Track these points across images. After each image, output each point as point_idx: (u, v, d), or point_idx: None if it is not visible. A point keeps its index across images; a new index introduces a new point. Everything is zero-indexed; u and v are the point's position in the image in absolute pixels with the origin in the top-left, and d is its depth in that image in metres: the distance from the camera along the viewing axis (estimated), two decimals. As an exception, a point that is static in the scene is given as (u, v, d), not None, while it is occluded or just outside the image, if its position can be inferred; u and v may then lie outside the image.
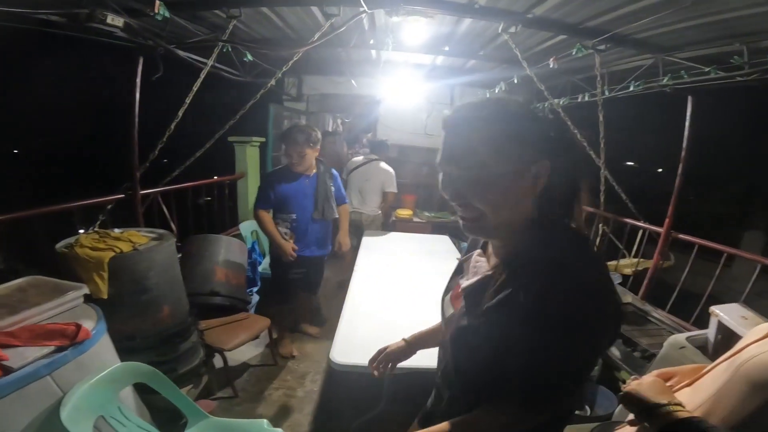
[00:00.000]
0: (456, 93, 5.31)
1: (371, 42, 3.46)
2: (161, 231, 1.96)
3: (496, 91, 3.97)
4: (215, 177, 3.85)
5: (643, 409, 0.80)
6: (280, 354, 2.73)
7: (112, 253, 1.60)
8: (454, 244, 3.37)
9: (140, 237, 1.78)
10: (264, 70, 3.92)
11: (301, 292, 2.79)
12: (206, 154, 3.23)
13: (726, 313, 1.71)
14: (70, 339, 1.25)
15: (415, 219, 4.94)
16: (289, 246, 2.51)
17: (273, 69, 3.20)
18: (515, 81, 3.49)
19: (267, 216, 2.56)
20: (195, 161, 3.15)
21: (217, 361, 2.34)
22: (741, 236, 6.24)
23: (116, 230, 1.82)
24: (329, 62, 4.67)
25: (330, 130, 6.81)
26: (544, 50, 3.09)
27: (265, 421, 1.61)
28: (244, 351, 2.72)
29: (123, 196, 2.67)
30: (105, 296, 1.59)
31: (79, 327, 1.27)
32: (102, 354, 1.40)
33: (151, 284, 1.71)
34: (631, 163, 11.14)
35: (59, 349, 1.23)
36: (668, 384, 0.92)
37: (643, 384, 0.87)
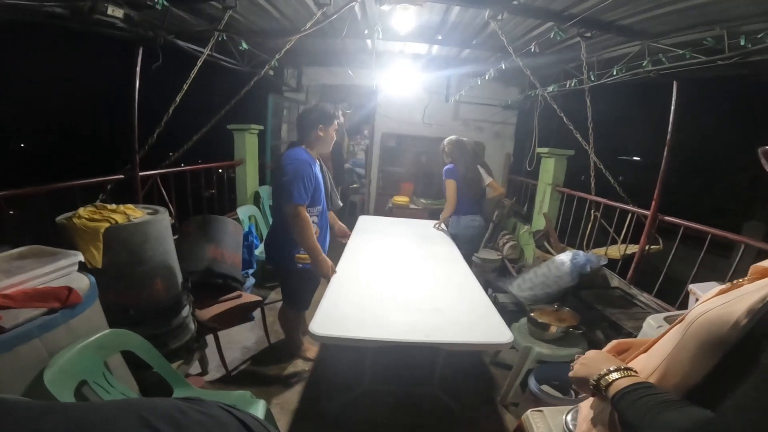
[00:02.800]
0: (452, 83, 5.36)
1: (365, 32, 3.53)
2: (156, 207, 2.04)
3: (486, 78, 4.00)
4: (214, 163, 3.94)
5: (591, 385, 0.78)
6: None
7: (108, 224, 1.68)
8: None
9: (136, 211, 1.87)
10: (263, 60, 4.01)
11: None
12: (208, 142, 3.34)
13: (704, 291, 1.72)
14: (62, 301, 1.32)
15: (412, 206, 5.01)
16: (329, 264, 2.19)
17: (270, 59, 3.29)
18: (503, 67, 3.52)
19: (309, 216, 2.13)
20: (197, 151, 3.25)
21: (210, 340, 2.43)
22: (742, 227, 6.21)
23: (113, 205, 1.90)
24: (327, 53, 4.75)
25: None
26: (533, 39, 3.12)
27: (248, 393, 1.67)
28: (239, 331, 2.79)
29: (123, 176, 2.78)
30: (100, 265, 1.67)
31: (70, 290, 1.35)
32: (92, 320, 1.47)
33: (146, 257, 1.79)
34: (637, 158, 11.04)
35: (50, 312, 1.30)
36: (624, 354, 0.89)
37: (587, 358, 0.84)
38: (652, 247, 3.02)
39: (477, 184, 3.31)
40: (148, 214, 1.91)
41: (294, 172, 2.06)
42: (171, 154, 3.19)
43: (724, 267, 2.40)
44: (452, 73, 4.97)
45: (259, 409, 1.57)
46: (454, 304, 1.94)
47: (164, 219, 1.92)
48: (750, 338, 0.58)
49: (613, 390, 0.72)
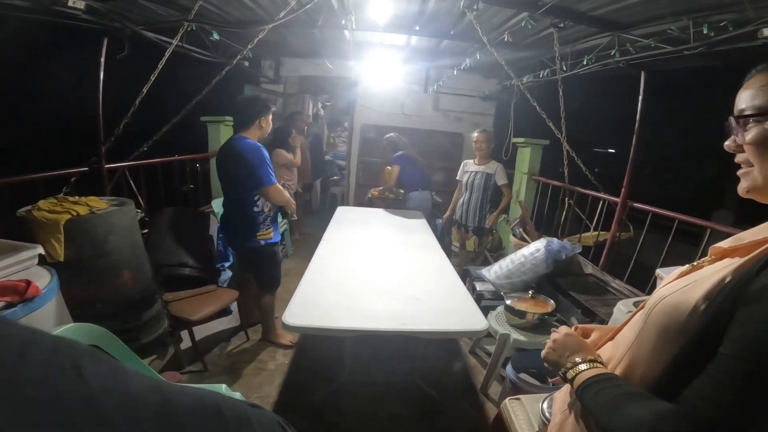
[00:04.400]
0: (431, 74, 5.36)
1: (343, 22, 3.49)
2: (123, 199, 1.98)
3: (462, 68, 4.01)
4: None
5: (560, 375, 0.77)
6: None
7: (69, 216, 1.62)
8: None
9: (99, 202, 1.81)
10: (238, 51, 3.91)
11: None
12: (184, 135, 3.25)
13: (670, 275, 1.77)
14: (21, 295, 1.27)
15: (391, 196, 4.99)
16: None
17: (243, 49, 3.22)
18: (477, 57, 3.54)
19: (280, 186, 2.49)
20: (174, 144, 3.19)
21: (186, 336, 2.38)
22: (711, 215, 6.46)
23: (76, 197, 1.84)
24: (305, 44, 4.68)
25: (311, 113, 6.84)
26: (508, 29, 3.13)
27: (224, 385, 1.64)
28: (216, 325, 2.74)
29: (87, 169, 2.68)
30: (62, 259, 1.61)
31: (29, 283, 1.30)
32: (54, 314, 1.43)
33: (111, 248, 1.73)
34: (612, 150, 11.30)
35: (9, 306, 1.26)
36: (590, 339, 0.88)
37: (558, 342, 0.82)
38: (623, 233, 3.10)
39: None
40: (113, 206, 1.84)
41: (260, 158, 2.26)
42: (146, 149, 3.11)
43: (695, 255, 2.46)
44: (431, 65, 4.96)
45: (233, 401, 1.54)
46: (431, 293, 1.95)
47: (130, 211, 1.86)
48: (708, 325, 0.57)
49: (577, 382, 0.71)
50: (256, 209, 2.38)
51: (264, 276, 2.54)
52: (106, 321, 1.70)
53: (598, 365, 0.72)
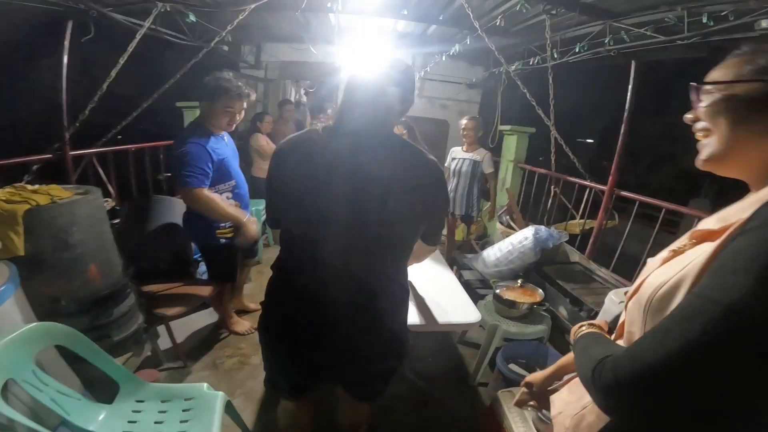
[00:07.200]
0: (418, 61, 5.25)
1: (329, 5, 3.34)
2: (88, 187, 1.83)
3: (452, 54, 3.92)
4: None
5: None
6: (238, 333, 2.59)
7: (27, 206, 1.48)
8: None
9: (61, 191, 1.66)
10: (216, 34, 3.74)
11: (244, 262, 2.67)
12: (161, 122, 3.08)
13: None
14: (-28, 293, 1.15)
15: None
16: (254, 223, 2.15)
17: (222, 32, 3.05)
18: (468, 43, 3.46)
19: (212, 194, 2.03)
20: (148, 132, 3.01)
21: (164, 331, 2.26)
22: (688, 203, 6.64)
23: (36, 185, 1.69)
24: (288, 28, 4.50)
25: (293, 99, 6.64)
26: (500, 14, 3.05)
27: (205, 384, 1.56)
28: (195, 319, 2.65)
29: (51, 156, 2.49)
30: (22, 253, 1.47)
31: (-19, 281, 1.17)
32: (15, 313, 1.31)
33: (75, 240, 1.60)
34: (590, 140, 11.45)
35: (-40, 305, 1.14)
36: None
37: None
38: (609, 222, 3.11)
39: None
40: (78, 194, 1.70)
41: (183, 154, 1.93)
42: (119, 136, 2.95)
43: (670, 242, 2.48)
44: (418, 51, 4.85)
45: (217, 403, 1.46)
46: (421, 286, 1.89)
47: (96, 199, 1.72)
48: None
49: (573, 338, 0.80)
50: None
51: (215, 270, 2.34)
52: (73, 318, 1.60)
53: (594, 328, 0.81)
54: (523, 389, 1.03)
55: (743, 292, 0.46)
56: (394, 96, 1.06)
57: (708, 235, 0.62)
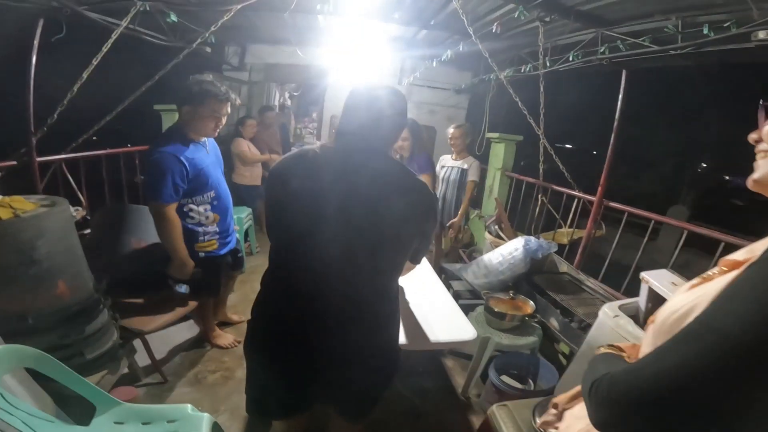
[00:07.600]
0: (406, 65, 5.23)
1: (318, 7, 3.27)
2: (54, 198, 1.70)
3: (443, 59, 3.90)
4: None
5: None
6: (221, 347, 2.50)
7: (-13, 220, 1.36)
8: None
9: (25, 203, 1.53)
10: (199, 35, 3.62)
11: (229, 275, 2.57)
12: (137, 126, 2.93)
13: (656, 279, 1.71)
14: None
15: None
16: (191, 265, 2.03)
17: (206, 32, 2.93)
18: (461, 49, 3.43)
19: (175, 218, 1.91)
20: (126, 136, 2.86)
21: (140, 345, 2.14)
22: (666, 211, 6.80)
23: (-2, 196, 1.55)
24: (274, 30, 4.39)
25: (277, 103, 6.52)
26: (494, 20, 3.04)
27: (189, 405, 1.47)
28: (174, 333, 2.54)
29: (15, 162, 2.34)
30: (-20, 270, 1.35)
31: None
32: (-25, 334, 1.20)
33: (41, 255, 1.48)
34: (569, 146, 11.67)
35: None
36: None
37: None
38: (597, 232, 3.12)
39: None
40: (43, 206, 1.58)
41: (154, 165, 1.83)
42: (94, 138, 2.79)
43: (651, 249, 2.54)
44: (407, 55, 4.82)
45: (203, 425, 1.38)
46: (414, 302, 1.84)
47: (63, 211, 1.59)
48: None
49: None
50: (189, 222, 2.03)
51: (196, 285, 2.18)
52: (42, 336, 1.50)
53: (615, 350, 0.77)
54: (552, 410, 1.02)
55: (738, 320, 0.46)
56: (392, 122, 1.12)
57: (735, 265, 0.61)
